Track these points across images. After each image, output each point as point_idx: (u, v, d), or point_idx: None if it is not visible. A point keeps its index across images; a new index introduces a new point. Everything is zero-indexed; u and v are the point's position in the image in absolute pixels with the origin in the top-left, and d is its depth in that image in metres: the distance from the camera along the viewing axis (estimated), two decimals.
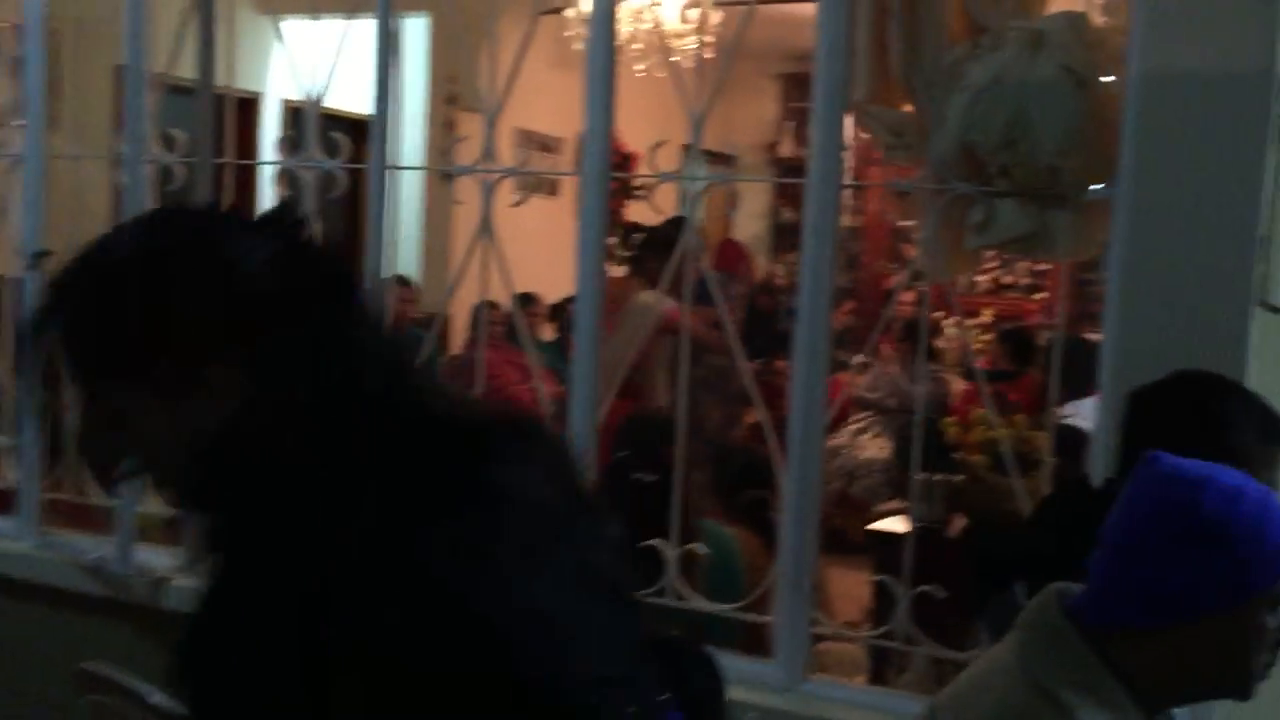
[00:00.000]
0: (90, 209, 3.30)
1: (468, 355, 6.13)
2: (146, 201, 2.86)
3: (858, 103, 2.53)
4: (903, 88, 2.51)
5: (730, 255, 8.19)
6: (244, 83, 3.01)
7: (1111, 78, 2.26)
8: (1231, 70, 2.01)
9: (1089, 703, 1.32)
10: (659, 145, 2.63)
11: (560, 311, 6.25)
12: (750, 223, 9.30)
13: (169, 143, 2.98)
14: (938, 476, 2.84)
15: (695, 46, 5.40)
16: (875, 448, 6.32)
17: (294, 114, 6.82)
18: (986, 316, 7.85)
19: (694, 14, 5.04)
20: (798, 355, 2.45)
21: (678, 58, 5.27)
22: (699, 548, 2.67)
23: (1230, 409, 1.66)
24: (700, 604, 2.62)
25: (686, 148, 2.67)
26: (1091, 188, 2.25)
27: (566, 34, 4.49)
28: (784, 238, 9.49)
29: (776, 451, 2.47)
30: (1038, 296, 8.24)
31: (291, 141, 2.95)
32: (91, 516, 3.16)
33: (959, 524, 2.89)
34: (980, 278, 8.33)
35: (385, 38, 2.72)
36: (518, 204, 2.88)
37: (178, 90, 2.87)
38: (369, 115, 2.76)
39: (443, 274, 6.58)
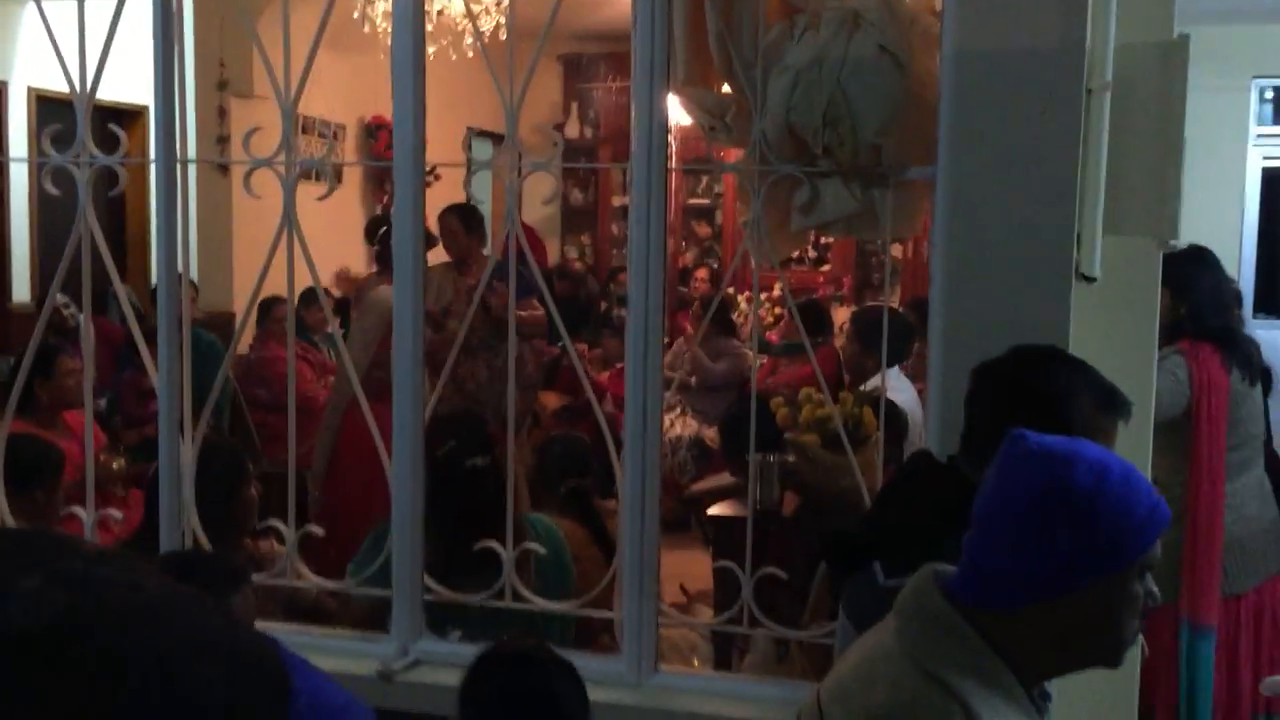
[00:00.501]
0: None
1: (258, 353, 5.84)
2: None
3: (676, 85, 2.50)
4: (721, 70, 2.49)
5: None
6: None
7: (927, 58, 2.30)
8: (1043, 47, 2.07)
9: (975, 683, 1.32)
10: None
11: (344, 306, 6.04)
12: (539, 207, 9.24)
13: None
14: (771, 457, 2.86)
15: (490, 28, 5.33)
16: (680, 425, 6.38)
17: (44, 103, 6.34)
18: (776, 290, 8.05)
19: None
20: (631, 339, 2.41)
21: (471, 40, 5.19)
22: (535, 546, 2.60)
23: (1069, 382, 1.70)
24: (541, 604, 2.55)
25: (472, 131, 2.57)
26: (913, 168, 2.28)
27: (357, 16, 4.28)
28: (573, 221, 9.48)
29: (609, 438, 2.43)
30: (824, 269, 8.51)
31: (58, 134, 2.69)
32: None
33: (792, 504, 2.92)
34: None
35: (168, 18, 2.51)
36: (325, 198, 2.72)
37: None
38: (133, 104, 2.55)
39: (222, 271, 6.25)
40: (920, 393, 4.52)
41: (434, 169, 2.54)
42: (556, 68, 8.90)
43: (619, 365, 6.88)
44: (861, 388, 4.12)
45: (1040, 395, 1.70)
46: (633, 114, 2.36)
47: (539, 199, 2.77)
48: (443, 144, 2.36)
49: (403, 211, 2.51)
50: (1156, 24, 2.29)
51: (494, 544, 2.55)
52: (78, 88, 2.64)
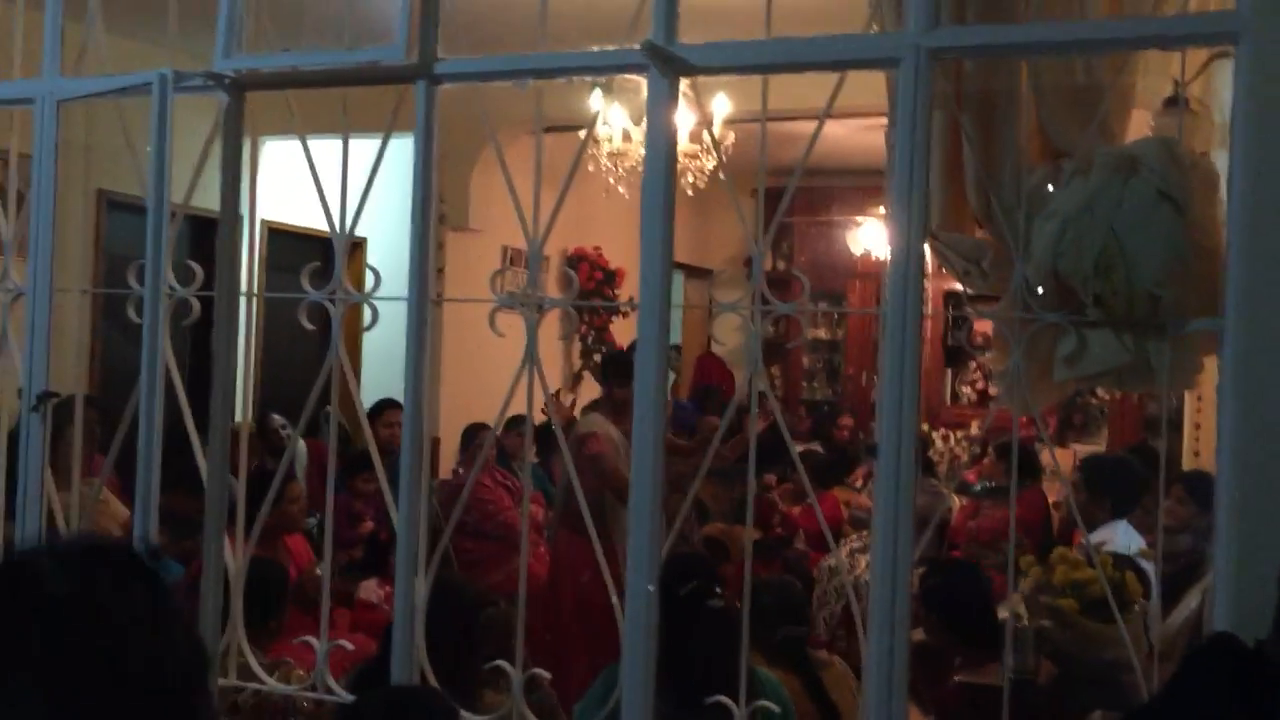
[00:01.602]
0: (70, 345, 3.10)
1: (459, 479, 5.94)
2: (163, 338, 2.67)
3: (931, 230, 2.43)
4: (978, 213, 2.41)
5: (711, 369, 8.11)
6: (207, 201, 2.87)
7: (1208, 204, 2.18)
8: None
9: None
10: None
11: (544, 434, 6.10)
12: (730, 336, 9.30)
13: (186, 274, 2.82)
14: (1029, 622, 2.68)
15: (710, 166, 5.42)
16: None
17: (273, 235, 6.70)
18: (974, 428, 7.81)
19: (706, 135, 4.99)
20: (882, 485, 2.30)
21: (692, 178, 5.29)
22: (770, 705, 2.48)
23: None
24: None
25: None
26: (1196, 320, 2.14)
27: (591, 153, 4.39)
28: (764, 352, 9.44)
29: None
30: None
31: (317, 271, 2.79)
32: None
33: (1048, 674, 2.72)
34: (965, 388, 8.31)
35: (428, 164, 2.60)
36: (566, 338, 2.73)
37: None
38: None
39: (430, 398, 6.40)
40: (1150, 546, 4.25)
41: (631, 299, 2.55)
42: (749, 201, 9.00)
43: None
44: (1087, 539, 3.89)
45: None
46: (889, 257, 2.29)
47: (730, 330, 2.73)
48: (636, 273, 2.40)
49: (647, 350, 2.48)
50: None
51: (726, 700, 2.45)
52: (337, 227, 2.75)
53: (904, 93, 2.23)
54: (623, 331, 7.98)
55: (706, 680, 2.49)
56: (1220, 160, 2.29)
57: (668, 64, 2.42)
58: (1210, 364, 2.33)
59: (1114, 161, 2.20)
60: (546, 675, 2.63)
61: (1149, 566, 3.69)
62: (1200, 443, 4.95)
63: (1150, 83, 2.76)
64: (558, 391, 6.78)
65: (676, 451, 5.23)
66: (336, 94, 2.81)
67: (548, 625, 4.97)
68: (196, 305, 2.83)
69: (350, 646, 2.86)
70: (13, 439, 2.92)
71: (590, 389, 8.12)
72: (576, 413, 6.23)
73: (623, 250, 8.18)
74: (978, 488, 6.78)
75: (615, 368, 5.20)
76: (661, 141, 2.44)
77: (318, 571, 4.43)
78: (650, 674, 2.44)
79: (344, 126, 2.77)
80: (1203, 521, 4.06)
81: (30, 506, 2.83)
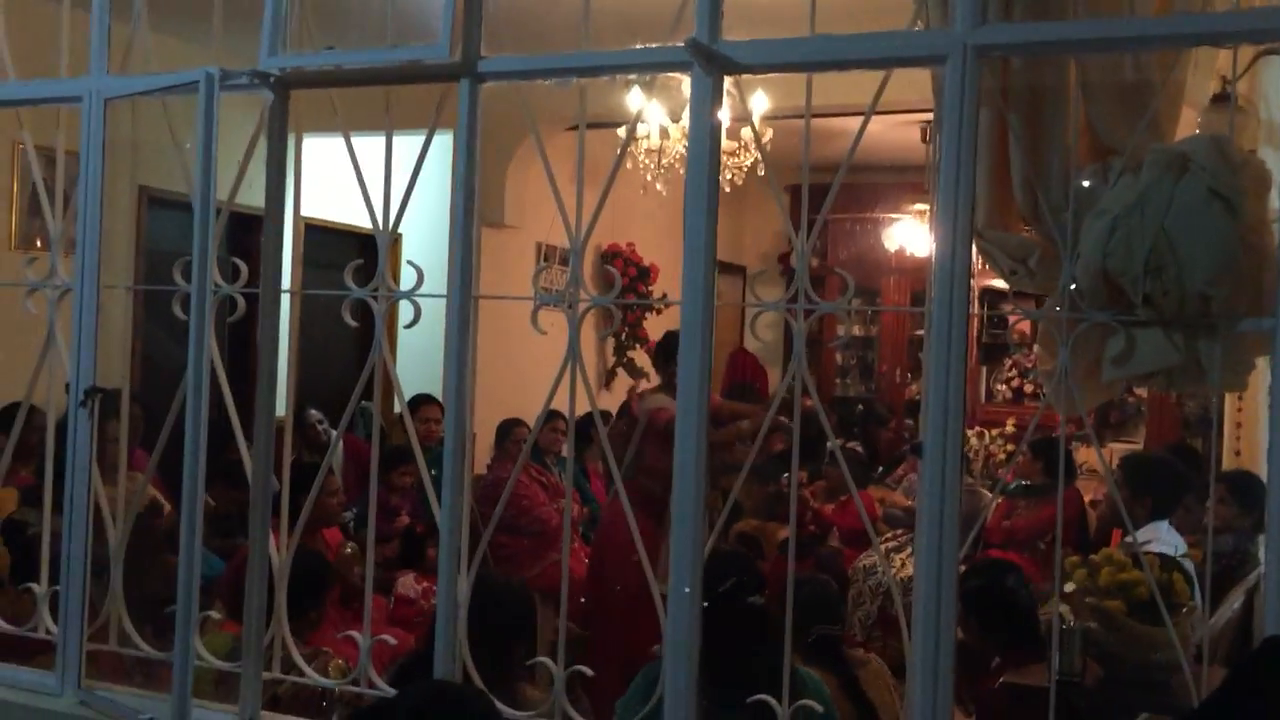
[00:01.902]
0: (114, 341, 3.13)
1: (494, 474, 5.96)
2: (210, 335, 2.69)
3: (976, 228, 2.41)
4: (1025, 212, 2.40)
5: (746, 366, 8.09)
6: (248, 198, 2.88)
7: (1259, 202, 2.16)
8: None
9: None
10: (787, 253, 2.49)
11: (583, 428, 6.10)
12: (764, 333, 9.30)
13: (232, 272, 2.85)
14: (1072, 624, 2.66)
15: (749, 163, 5.41)
16: (912, 566, 6.12)
17: (308, 231, 6.74)
18: (1009, 426, 7.75)
19: (746, 132, 4.99)
20: (927, 487, 2.29)
21: (730, 175, 5.28)
22: (812, 704, 2.47)
23: None
24: None
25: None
26: (1247, 319, 2.12)
27: (632, 151, 4.39)
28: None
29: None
30: None
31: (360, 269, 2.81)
32: (136, 671, 2.93)
33: (1094, 675, 2.70)
34: (1000, 386, 8.26)
35: (471, 164, 2.61)
36: (605, 336, 2.73)
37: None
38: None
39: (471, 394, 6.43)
40: (1191, 546, 4.21)
41: (665, 296, 2.53)
42: (784, 198, 8.97)
43: (844, 498, 6.70)
44: (1128, 539, 3.86)
45: None
46: (934, 256, 2.28)
47: (762, 326, 2.71)
48: (670, 270, 2.39)
49: (690, 347, 2.48)
50: None
51: (769, 699, 2.45)
52: (380, 225, 2.76)
53: (950, 90, 2.21)
54: (656, 328, 7.97)
55: (746, 678, 2.48)
56: (1267, 157, 2.26)
57: (712, 62, 2.41)
58: (1257, 363, 2.31)
59: (1165, 160, 2.17)
60: (588, 672, 2.63)
61: (1191, 567, 3.66)
62: (1241, 442, 4.89)
63: (1197, 80, 2.74)
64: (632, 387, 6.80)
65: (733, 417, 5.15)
66: (378, 91, 2.82)
67: (586, 614, 4.98)
68: (242, 302, 2.86)
69: (393, 641, 2.88)
70: (60, 433, 2.95)
71: (621, 384, 8.14)
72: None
73: (655, 246, 8.18)
74: (1012, 486, 6.73)
75: (672, 350, 5.16)
76: (705, 140, 2.43)
77: (348, 551, 4.46)
78: (694, 673, 2.44)
79: (387, 125, 2.78)
80: (1245, 521, 4.02)
81: (77, 500, 2.87)
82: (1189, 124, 2.41)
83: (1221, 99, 2.86)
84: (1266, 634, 1.88)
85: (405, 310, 2.78)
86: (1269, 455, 2.07)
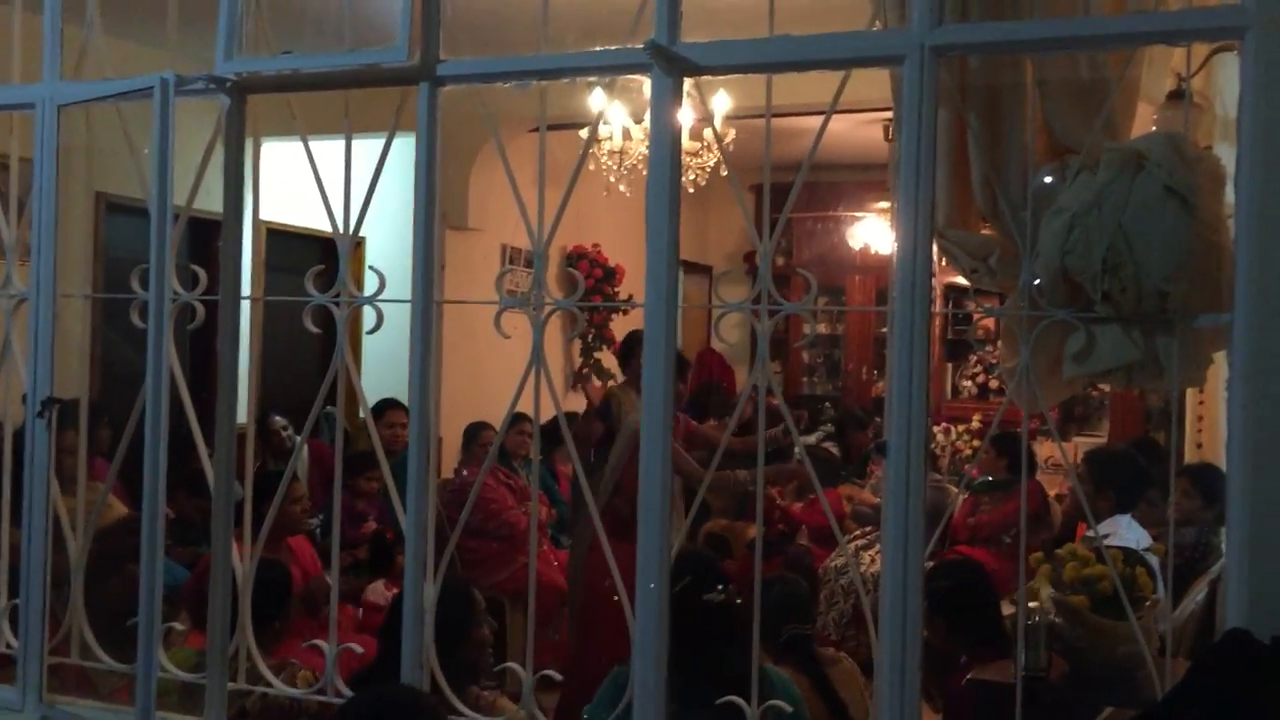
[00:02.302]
0: (72, 350, 3.10)
1: (461, 479, 5.93)
2: (169, 343, 2.66)
3: (937, 228, 2.42)
4: (985, 211, 2.41)
5: (713, 365, 8.09)
6: (206, 203, 2.86)
7: (1214, 199, 2.18)
8: None
9: None
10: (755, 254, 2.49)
11: (551, 430, 6.09)
12: (730, 333, 9.32)
13: (192, 279, 2.82)
14: (1035, 619, 2.67)
15: (712, 163, 5.42)
16: (880, 562, 6.14)
17: (269, 235, 6.68)
18: (974, 422, 7.81)
19: (707, 132, 4.99)
20: (892, 485, 2.30)
21: (693, 175, 5.28)
22: (781, 705, 2.47)
23: None
24: None
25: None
26: (1204, 315, 2.14)
27: (592, 152, 4.39)
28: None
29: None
30: None
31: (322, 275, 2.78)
32: (99, 684, 2.90)
33: (1059, 670, 2.72)
34: (966, 382, 8.31)
35: (431, 166, 2.59)
36: (572, 339, 2.72)
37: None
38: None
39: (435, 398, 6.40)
40: (1155, 538, 4.24)
41: (631, 298, 2.53)
42: (749, 197, 9.00)
43: (812, 496, 6.72)
44: (1090, 533, 3.88)
45: None
46: (896, 256, 2.29)
47: (729, 326, 2.72)
48: (636, 271, 2.38)
49: (654, 348, 2.47)
50: None
51: (737, 699, 2.45)
52: (340, 229, 2.73)
53: (909, 90, 2.23)
54: (622, 329, 7.97)
55: (712, 678, 2.48)
56: (1223, 154, 2.29)
57: (671, 64, 2.41)
58: (1215, 357, 2.33)
59: (1120, 158, 2.19)
60: (558, 677, 2.62)
61: (1154, 561, 3.70)
62: (1203, 435, 4.95)
63: (1152, 77, 2.76)
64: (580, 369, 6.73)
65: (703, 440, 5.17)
66: (337, 94, 2.80)
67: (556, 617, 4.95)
68: (201, 310, 2.83)
69: (359, 649, 2.85)
70: (17, 444, 2.91)
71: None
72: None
73: (621, 247, 8.17)
74: (977, 482, 6.77)
75: (634, 346, 5.14)
76: (666, 142, 2.43)
77: (327, 579, 4.43)
78: (662, 675, 2.43)
79: (346, 129, 2.76)
80: (1207, 514, 4.06)
81: (36, 512, 2.83)
82: (1145, 120, 2.43)
83: (1177, 95, 2.88)
84: (1228, 626, 1.90)
85: (369, 315, 2.76)
86: (1228, 447, 2.09)
